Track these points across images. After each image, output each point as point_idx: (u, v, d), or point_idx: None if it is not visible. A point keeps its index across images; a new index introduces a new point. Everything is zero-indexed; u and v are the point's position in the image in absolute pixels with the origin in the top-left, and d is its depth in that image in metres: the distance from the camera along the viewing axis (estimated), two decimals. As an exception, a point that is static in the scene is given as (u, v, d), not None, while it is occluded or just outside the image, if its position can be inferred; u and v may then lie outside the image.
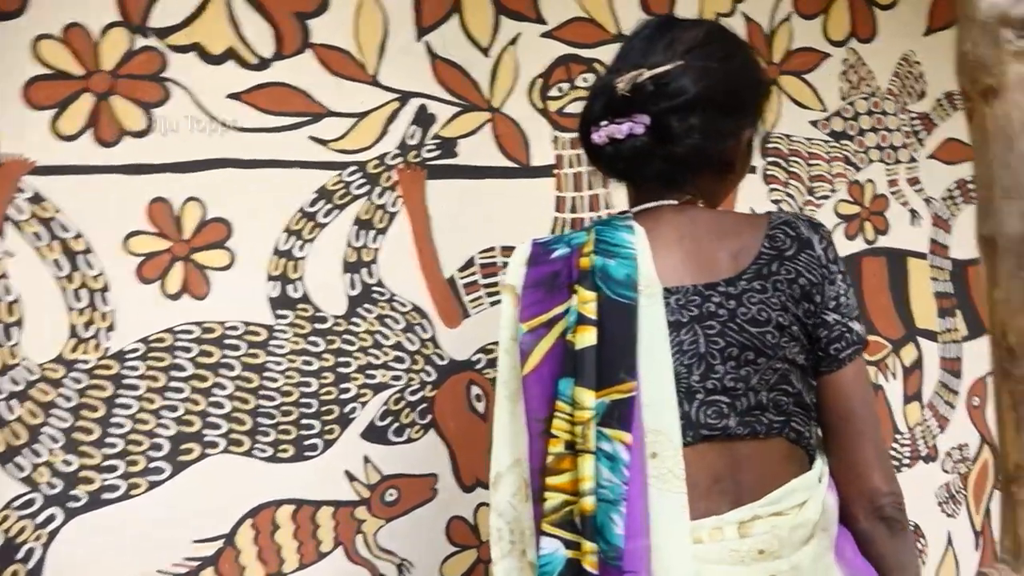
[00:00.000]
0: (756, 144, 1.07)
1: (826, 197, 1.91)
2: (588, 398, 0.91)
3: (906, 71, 2.01)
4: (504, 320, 1.03)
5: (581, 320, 0.93)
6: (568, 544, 0.92)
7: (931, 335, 2.01)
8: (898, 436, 1.95)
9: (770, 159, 1.85)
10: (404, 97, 1.55)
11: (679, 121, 0.95)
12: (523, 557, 1.00)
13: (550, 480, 0.93)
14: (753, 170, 1.83)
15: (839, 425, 0.96)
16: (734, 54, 1.02)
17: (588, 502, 0.89)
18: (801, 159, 1.89)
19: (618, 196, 1.65)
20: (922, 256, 2.01)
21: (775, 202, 1.85)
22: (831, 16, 1.92)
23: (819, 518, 0.93)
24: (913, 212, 2.01)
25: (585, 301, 0.93)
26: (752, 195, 1.82)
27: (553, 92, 1.66)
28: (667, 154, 0.97)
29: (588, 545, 0.89)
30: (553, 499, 0.93)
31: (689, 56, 0.97)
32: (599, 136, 0.98)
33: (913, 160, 2.01)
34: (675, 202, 1.00)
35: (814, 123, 1.91)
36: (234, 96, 1.43)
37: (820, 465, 0.97)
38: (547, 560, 0.92)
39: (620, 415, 0.90)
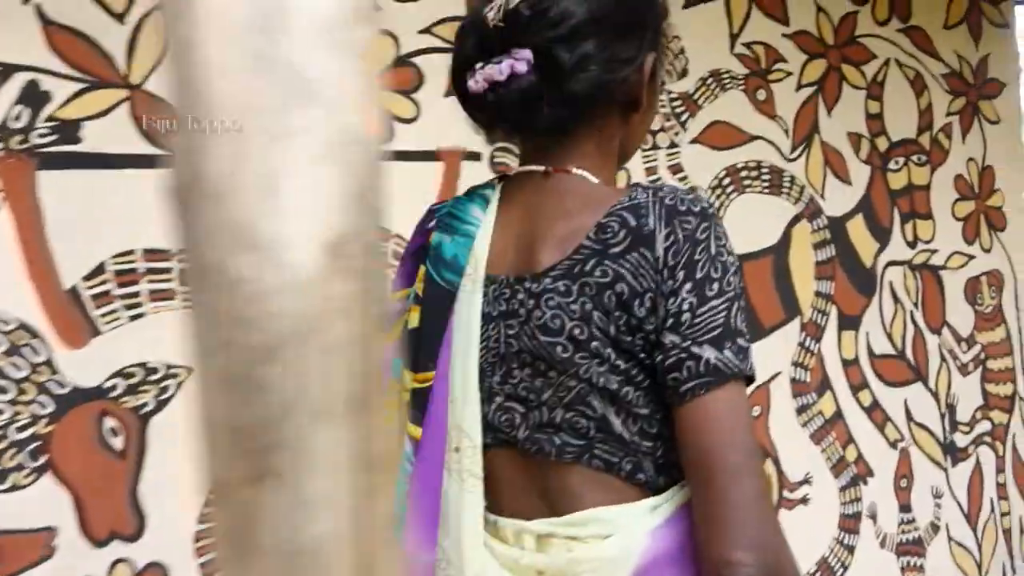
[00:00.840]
0: (661, 75, 0.92)
1: (570, 187, 1.70)
2: (407, 378, 0.87)
3: (664, 47, 1.81)
4: None
5: (416, 299, 0.88)
6: None
7: (701, 339, 1.81)
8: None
9: (500, 146, 1.63)
10: (6, 70, 1.28)
11: (568, 51, 0.80)
12: None
13: None
14: (478, 157, 1.61)
15: (688, 471, 0.76)
16: None
17: None
18: (537, 144, 1.67)
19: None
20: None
21: (506, 193, 1.63)
22: (570, -16, 1.71)
23: (621, 561, 0.77)
24: (676, 203, 1.81)
25: (420, 280, 0.88)
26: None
27: (214, 66, 1.41)
28: (561, 94, 0.80)
29: None
30: None
31: None
32: (476, 82, 0.81)
33: (674, 146, 1.82)
34: (541, 168, 0.85)
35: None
36: None
37: (656, 502, 0.79)
38: None
39: (416, 404, 0.86)
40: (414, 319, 0.88)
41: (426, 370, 0.86)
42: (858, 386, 1.99)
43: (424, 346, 0.87)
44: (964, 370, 2.16)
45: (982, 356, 2.19)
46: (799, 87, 1.96)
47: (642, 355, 0.77)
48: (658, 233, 0.76)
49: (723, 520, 0.73)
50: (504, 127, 0.87)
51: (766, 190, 1.90)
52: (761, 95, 1.91)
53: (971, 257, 2.18)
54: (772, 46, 1.93)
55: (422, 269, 0.88)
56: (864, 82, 2.06)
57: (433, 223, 0.91)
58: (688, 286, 0.75)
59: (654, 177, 1.79)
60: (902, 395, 2.05)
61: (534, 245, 0.83)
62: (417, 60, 1.55)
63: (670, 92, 1.81)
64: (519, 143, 0.89)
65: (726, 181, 1.86)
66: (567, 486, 0.81)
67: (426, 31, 1.56)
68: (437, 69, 1.56)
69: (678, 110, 1.82)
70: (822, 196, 1.97)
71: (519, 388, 0.83)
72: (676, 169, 1.81)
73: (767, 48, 1.93)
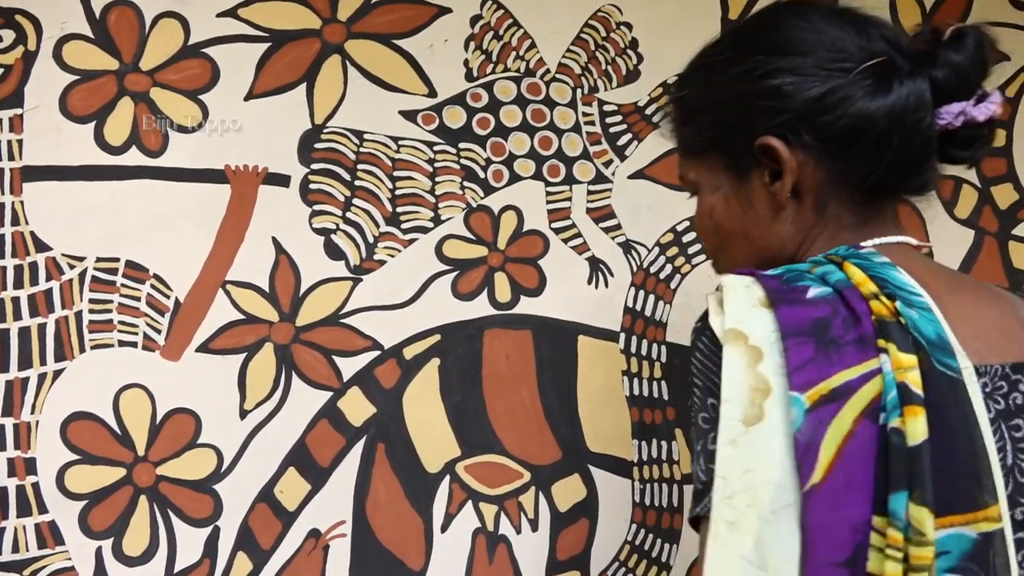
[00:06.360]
0: None
1: (421, 231, 1.22)
2: (928, 525, 0.59)
3: (601, 38, 1.26)
4: (732, 386, 0.63)
5: (908, 397, 0.61)
6: None
7: (625, 463, 1.24)
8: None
9: (317, 165, 1.21)
10: None
11: None
12: None
13: None
14: (285, 182, 1.21)
15: None
16: None
17: None
18: (378, 168, 1.22)
19: None
20: (608, 335, 1.25)
21: (320, 231, 1.20)
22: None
23: None
24: (596, 263, 1.25)
25: (905, 367, 0.62)
26: (279, 219, 1.19)
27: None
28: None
29: None
30: None
31: None
32: (985, 110, 0.73)
33: (602, 180, 1.26)
34: (913, 241, 0.75)
35: (408, 114, 1.23)
36: None
37: None
38: None
39: (996, 561, 0.61)
40: (918, 428, 0.61)
41: (978, 504, 0.61)
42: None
43: (959, 464, 0.62)
44: None
45: None
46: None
47: None
48: None
49: None
50: (915, 178, 0.74)
51: (752, 254, 1.28)
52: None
53: None
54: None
55: (902, 354, 0.62)
56: (975, 96, 1.32)
57: (823, 291, 0.66)
58: None
59: (565, 223, 1.25)
60: None
61: (1006, 325, 0.71)
62: (211, 51, 1.19)
63: (607, 103, 1.26)
64: (847, 203, 0.74)
65: (687, 238, 1.27)
66: None
67: (228, 13, 1.19)
68: (237, 64, 1.19)
69: (614, 129, 1.26)
70: (869, 269, 1.29)
71: None
72: (602, 214, 1.26)
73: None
